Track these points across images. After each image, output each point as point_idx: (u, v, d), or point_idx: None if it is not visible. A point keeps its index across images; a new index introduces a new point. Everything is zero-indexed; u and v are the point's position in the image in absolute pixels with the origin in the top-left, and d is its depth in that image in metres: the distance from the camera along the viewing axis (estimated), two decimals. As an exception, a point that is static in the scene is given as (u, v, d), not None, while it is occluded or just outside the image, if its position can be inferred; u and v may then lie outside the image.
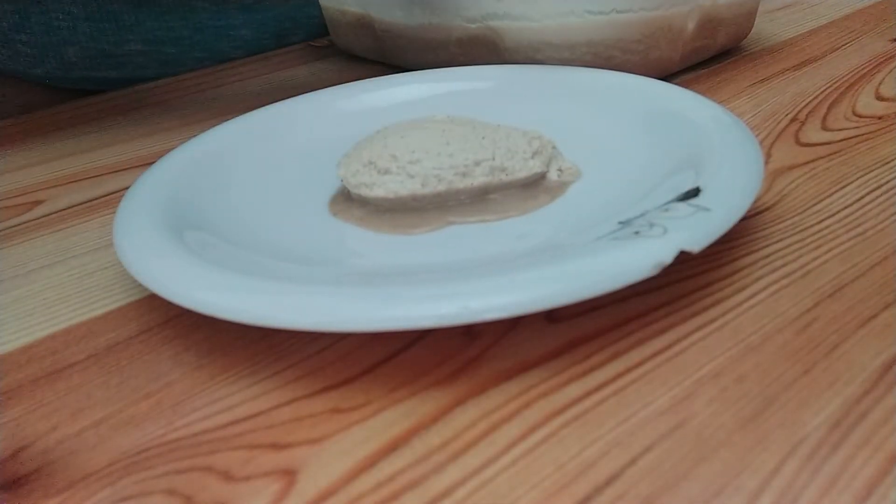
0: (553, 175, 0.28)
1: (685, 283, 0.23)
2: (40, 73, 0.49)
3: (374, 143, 0.28)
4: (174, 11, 0.50)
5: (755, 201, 0.27)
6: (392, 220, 0.27)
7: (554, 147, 0.29)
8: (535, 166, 0.28)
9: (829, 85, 0.38)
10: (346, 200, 0.29)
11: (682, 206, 0.23)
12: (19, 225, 0.32)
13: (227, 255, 0.24)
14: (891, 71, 0.39)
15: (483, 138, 0.28)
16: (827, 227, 0.26)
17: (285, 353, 0.22)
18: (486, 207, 0.27)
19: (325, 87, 0.37)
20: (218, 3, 0.52)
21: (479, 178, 0.27)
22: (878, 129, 0.32)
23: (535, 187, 0.28)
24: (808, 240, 0.25)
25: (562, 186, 0.28)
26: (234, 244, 0.25)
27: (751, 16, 0.43)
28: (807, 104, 0.36)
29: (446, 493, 0.17)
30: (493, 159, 0.27)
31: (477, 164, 0.27)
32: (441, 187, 0.27)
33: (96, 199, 0.34)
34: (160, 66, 0.50)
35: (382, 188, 0.27)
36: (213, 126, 0.33)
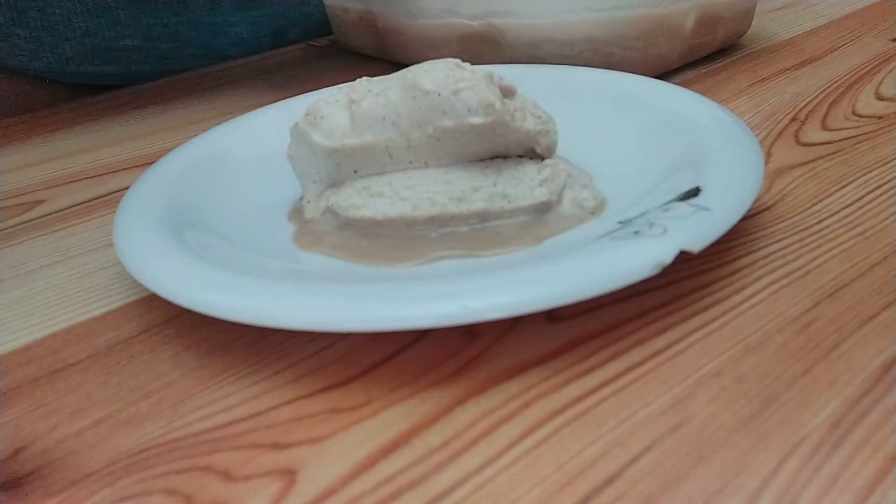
0: (566, 205, 0.26)
1: (685, 283, 0.23)
2: (38, 67, 0.49)
3: (373, 174, 0.27)
4: (169, 8, 0.51)
5: (755, 201, 0.27)
6: (378, 251, 0.25)
7: (570, 175, 0.27)
8: (540, 194, 0.26)
9: (829, 85, 0.38)
10: (315, 232, 0.27)
11: (682, 205, 0.23)
12: (19, 225, 0.32)
13: (226, 255, 0.24)
14: (891, 71, 0.39)
15: (486, 167, 0.27)
16: (827, 226, 0.26)
17: (285, 353, 0.22)
18: (483, 238, 0.25)
19: (326, 86, 0.37)
20: (213, 0, 0.52)
21: (475, 204, 0.25)
22: (878, 129, 0.32)
23: (543, 216, 0.26)
24: (808, 240, 0.25)
25: (575, 218, 0.26)
26: (233, 244, 0.25)
27: (749, 13, 0.43)
28: (807, 104, 0.36)
29: (446, 493, 0.17)
30: (494, 185, 0.26)
31: (475, 189, 0.26)
32: (434, 211, 0.25)
33: (96, 199, 0.34)
34: (156, 61, 0.50)
35: (370, 209, 0.26)
36: (213, 126, 0.33)
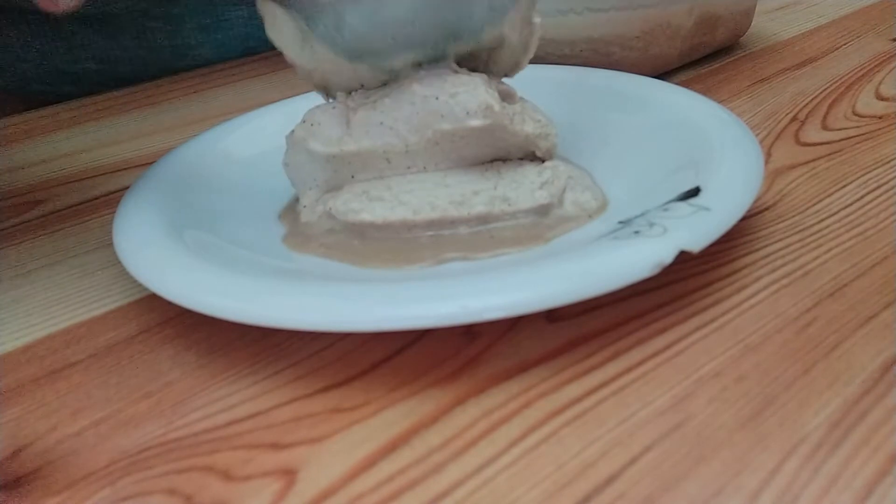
0: (568, 207, 0.26)
1: (685, 283, 0.23)
2: (0, 84, 0.49)
3: (371, 179, 0.27)
4: (127, 31, 0.49)
5: (755, 201, 0.27)
6: (372, 254, 0.25)
7: (571, 177, 0.26)
8: (541, 197, 0.25)
9: (829, 85, 0.38)
10: (305, 234, 0.27)
11: (682, 205, 0.23)
12: (19, 225, 0.32)
13: (226, 255, 0.24)
14: (891, 71, 0.39)
15: (486, 170, 0.26)
16: (827, 226, 0.26)
17: (285, 352, 0.22)
18: (484, 241, 0.25)
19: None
20: (173, 24, 0.50)
21: (476, 207, 0.25)
22: (878, 129, 0.32)
23: (544, 219, 0.26)
24: (808, 240, 0.25)
25: (576, 219, 0.25)
26: (234, 244, 0.25)
27: (749, 13, 0.43)
28: (807, 104, 0.36)
29: (446, 492, 0.17)
30: (494, 189, 0.26)
31: (475, 193, 0.26)
32: (434, 215, 0.25)
33: (96, 199, 0.34)
34: (116, 83, 0.49)
35: (370, 213, 0.25)
36: (213, 126, 0.33)
